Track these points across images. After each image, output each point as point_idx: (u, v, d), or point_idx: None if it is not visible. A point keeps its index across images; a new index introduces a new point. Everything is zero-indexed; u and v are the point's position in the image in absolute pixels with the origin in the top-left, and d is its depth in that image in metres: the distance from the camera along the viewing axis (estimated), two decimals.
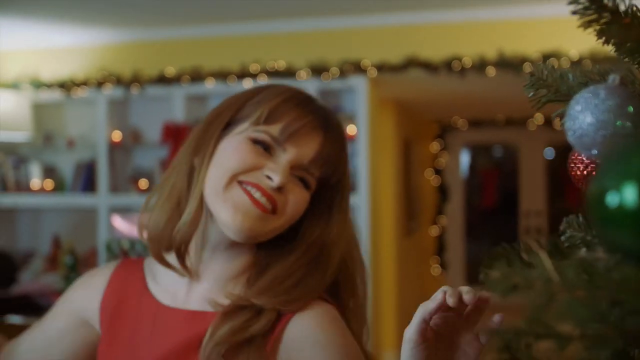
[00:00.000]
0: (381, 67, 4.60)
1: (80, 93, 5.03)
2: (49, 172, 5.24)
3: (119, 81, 4.96)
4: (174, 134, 4.77)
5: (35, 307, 3.04)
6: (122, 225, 3.66)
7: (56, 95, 5.09)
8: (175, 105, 4.83)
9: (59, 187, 5.21)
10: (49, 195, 5.13)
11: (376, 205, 4.79)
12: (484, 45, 4.50)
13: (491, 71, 4.47)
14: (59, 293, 3.08)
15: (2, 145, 5.16)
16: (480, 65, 4.48)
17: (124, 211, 5.10)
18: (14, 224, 5.40)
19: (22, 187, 5.18)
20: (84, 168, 5.12)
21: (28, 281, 3.53)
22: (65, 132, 5.30)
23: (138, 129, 5.11)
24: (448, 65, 4.51)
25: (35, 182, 5.18)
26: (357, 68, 4.60)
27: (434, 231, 8.63)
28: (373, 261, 4.63)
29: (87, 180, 5.10)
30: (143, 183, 5.00)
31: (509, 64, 4.42)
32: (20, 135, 4.93)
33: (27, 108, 4.89)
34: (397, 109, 6.18)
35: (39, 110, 5.25)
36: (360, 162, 4.54)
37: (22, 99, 4.87)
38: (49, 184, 5.19)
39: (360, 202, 4.53)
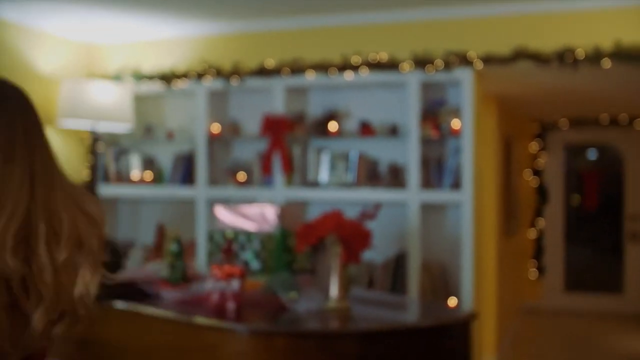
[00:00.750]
0: (488, 59, 4.41)
1: (181, 85, 5.04)
2: (148, 163, 5.28)
3: (219, 73, 4.94)
4: (273, 127, 4.72)
5: (140, 293, 3.01)
6: (225, 216, 3.61)
7: (157, 87, 5.12)
8: (275, 97, 4.77)
9: (158, 179, 5.24)
10: (149, 187, 5.16)
11: (479, 203, 4.60)
12: (599, 35, 4.25)
13: (607, 63, 4.22)
14: (164, 280, 3.05)
15: (105, 136, 5.22)
16: (595, 57, 4.24)
17: (222, 203, 5.08)
18: (114, 214, 5.46)
19: (123, 178, 5.23)
20: (182, 160, 5.13)
21: (134, 268, 3.51)
22: (165, 124, 5.33)
23: (237, 121, 5.09)
24: (560, 57, 4.29)
25: (135, 173, 5.22)
26: (463, 60, 4.43)
27: (531, 234, 8.33)
28: (476, 261, 4.44)
29: (186, 172, 5.10)
30: (241, 176, 4.96)
31: (627, 55, 4.17)
32: (121, 126, 4.98)
33: (129, 100, 4.93)
34: (499, 105, 5.96)
35: (140, 102, 5.30)
36: (465, 158, 4.37)
37: (125, 91, 4.91)
38: (149, 175, 5.22)
39: (464, 199, 4.36)
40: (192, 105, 5.10)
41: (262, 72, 4.82)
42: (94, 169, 5.09)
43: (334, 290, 2.84)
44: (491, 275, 5.61)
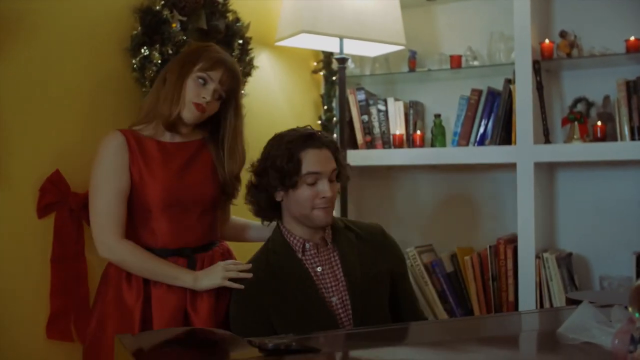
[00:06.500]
0: None
1: None
2: (417, 111, 3.27)
3: None
4: None
5: None
6: None
7: None
8: None
9: (436, 138, 3.19)
10: (417, 151, 3.15)
11: None
12: None
13: None
14: None
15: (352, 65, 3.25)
16: None
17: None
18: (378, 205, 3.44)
19: (375, 138, 3.25)
20: (482, 102, 3.08)
21: None
22: (440, 47, 3.29)
23: (576, 33, 2.98)
24: None
25: (398, 130, 3.22)
26: None
27: None
28: None
29: (485, 121, 3.05)
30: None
31: None
32: (381, 48, 3.02)
33: (395, 3, 2.96)
34: None
35: (404, 15, 3.21)
36: None
37: None
38: (420, 135, 3.21)
39: None
40: (492, 11, 3.09)
41: None
42: (335, 121, 3.13)
43: None
44: None
